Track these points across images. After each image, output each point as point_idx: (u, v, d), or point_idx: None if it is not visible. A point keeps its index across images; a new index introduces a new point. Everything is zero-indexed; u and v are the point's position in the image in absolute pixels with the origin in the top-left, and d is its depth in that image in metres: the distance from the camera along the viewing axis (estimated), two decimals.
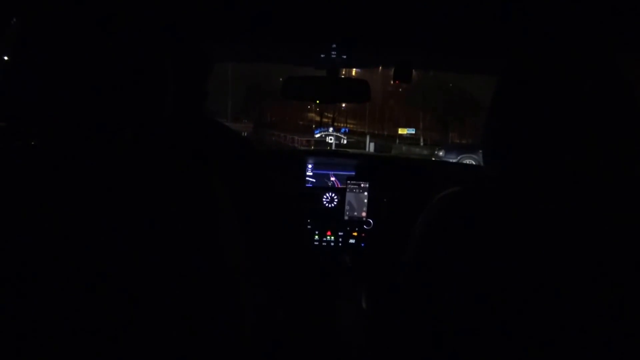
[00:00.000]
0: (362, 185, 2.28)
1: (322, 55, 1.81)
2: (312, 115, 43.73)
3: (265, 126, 30.43)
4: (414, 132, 28.61)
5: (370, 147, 21.77)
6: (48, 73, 0.61)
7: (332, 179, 2.34)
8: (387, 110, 36.56)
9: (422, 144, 28.10)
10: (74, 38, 0.61)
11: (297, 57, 2.09)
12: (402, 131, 28.17)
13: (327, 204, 2.29)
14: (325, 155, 2.46)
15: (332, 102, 2.11)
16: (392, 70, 1.80)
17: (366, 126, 37.47)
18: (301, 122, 41.97)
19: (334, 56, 1.80)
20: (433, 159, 13.03)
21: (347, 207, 2.28)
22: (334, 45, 1.63)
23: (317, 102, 2.16)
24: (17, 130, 0.66)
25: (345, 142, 19.38)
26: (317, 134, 19.98)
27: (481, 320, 0.61)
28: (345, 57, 1.82)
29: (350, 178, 2.29)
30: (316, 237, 2.26)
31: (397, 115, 34.94)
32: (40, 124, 0.64)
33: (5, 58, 0.66)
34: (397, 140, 28.12)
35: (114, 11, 0.64)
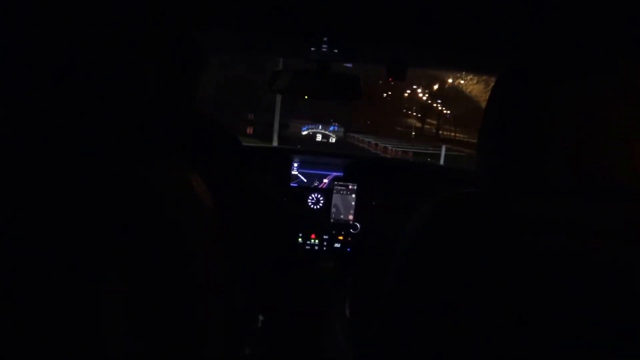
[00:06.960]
0: (350, 186, 2.15)
1: (312, 49, 1.74)
2: (411, 121, 41.79)
3: (356, 132, 27.80)
4: None
5: None
6: (27, 70, 0.59)
7: (319, 178, 2.22)
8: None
9: None
10: (56, 34, 0.59)
11: (287, 49, 2.03)
12: None
13: (312, 205, 2.19)
14: (312, 154, 2.35)
15: (321, 97, 2.02)
16: None
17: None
18: (399, 129, 39.19)
19: (325, 49, 1.74)
20: None
21: (333, 210, 2.17)
22: (325, 39, 1.57)
23: (305, 97, 2.07)
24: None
25: (333, 140, 17.97)
26: (304, 131, 18.92)
27: (472, 329, 0.59)
28: (336, 51, 1.75)
29: (337, 179, 2.17)
30: (300, 240, 2.17)
31: None
32: (23, 123, 0.62)
33: None
34: None
35: (96, 4, 0.61)
